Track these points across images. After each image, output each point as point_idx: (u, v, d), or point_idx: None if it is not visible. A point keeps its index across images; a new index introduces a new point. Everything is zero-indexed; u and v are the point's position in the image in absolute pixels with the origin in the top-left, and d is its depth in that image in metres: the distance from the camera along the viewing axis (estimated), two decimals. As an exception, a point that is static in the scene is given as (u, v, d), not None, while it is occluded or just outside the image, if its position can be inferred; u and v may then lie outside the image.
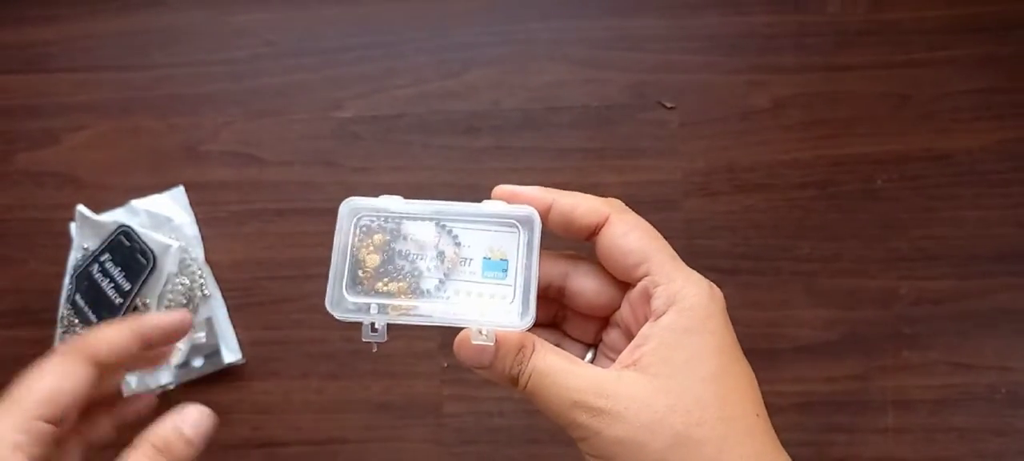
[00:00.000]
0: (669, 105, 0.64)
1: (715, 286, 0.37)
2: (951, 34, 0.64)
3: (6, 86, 0.67)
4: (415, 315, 0.37)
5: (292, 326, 0.63)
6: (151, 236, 0.61)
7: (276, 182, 0.65)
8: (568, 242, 0.39)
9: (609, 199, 0.39)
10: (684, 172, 0.63)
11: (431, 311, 0.37)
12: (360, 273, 0.38)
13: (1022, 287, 0.61)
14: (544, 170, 0.63)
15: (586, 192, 0.61)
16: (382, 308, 0.37)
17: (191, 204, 0.64)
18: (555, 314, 0.41)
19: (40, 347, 0.63)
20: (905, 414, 0.60)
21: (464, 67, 0.65)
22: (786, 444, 0.60)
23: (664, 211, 0.63)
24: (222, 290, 0.63)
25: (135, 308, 0.60)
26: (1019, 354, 0.60)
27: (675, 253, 0.38)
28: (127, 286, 0.60)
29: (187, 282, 0.61)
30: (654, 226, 0.62)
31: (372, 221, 0.39)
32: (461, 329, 0.36)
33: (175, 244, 0.61)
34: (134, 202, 0.63)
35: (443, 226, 0.38)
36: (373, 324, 0.37)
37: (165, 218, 0.63)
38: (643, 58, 0.65)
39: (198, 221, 0.64)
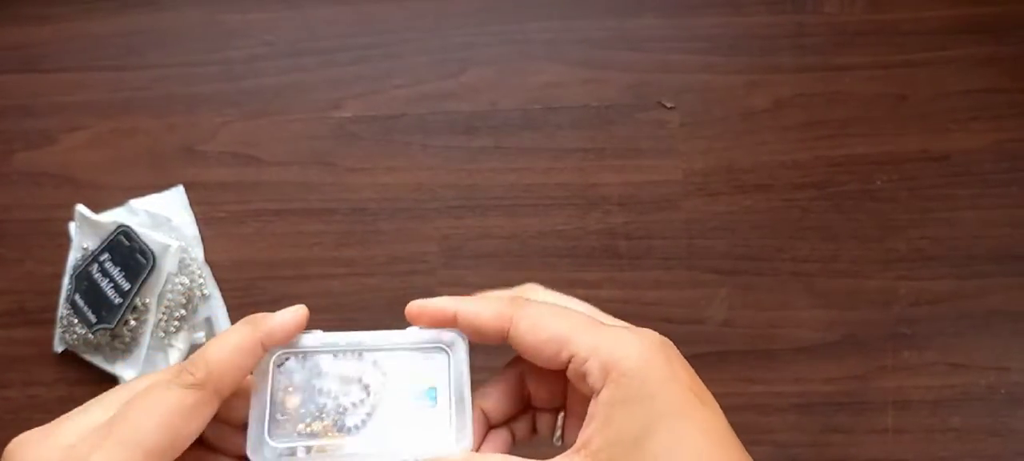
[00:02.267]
0: (669, 105, 0.64)
1: (648, 333, 0.35)
2: (949, 34, 0.64)
3: (2, 86, 0.67)
4: (340, 456, 0.35)
5: (291, 326, 0.63)
6: (150, 236, 0.61)
7: (275, 182, 0.64)
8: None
9: (513, 296, 0.37)
10: (684, 172, 0.63)
11: (357, 449, 0.35)
12: (280, 416, 0.36)
13: (1020, 287, 0.61)
14: (543, 170, 0.63)
15: (586, 193, 0.63)
16: (308, 449, 0.35)
17: (190, 204, 0.64)
18: (519, 401, 0.39)
19: (38, 347, 0.63)
20: (904, 414, 0.60)
21: (462, 67, 0.65)
22: (785, 445, 0.60)
23: (664, 211, 0.63)
24: (221, 290, 0.63)
25: (134, 308, 0.60)
26: (1017, 354, 0.61)
27: (594, 316, 0.36)
28: (127, 286, 0.60)
29: (187, 282, 0.61)
30: (654, 226, 0.62)
31: (290, 360, 0.37)
32: None
33: (174, 244, 0.61)
34: (133, 202, 0.63)
35: (366, 357, 0.37)
36: None
37: (165, 218, 0.63)
38: (643, 58, 0.65)
39: (197, 221, 0.64)
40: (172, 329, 0.61)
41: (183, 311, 0.61)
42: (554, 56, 0.65)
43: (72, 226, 0.63)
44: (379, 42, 0.66)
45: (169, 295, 0.61)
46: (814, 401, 0.61)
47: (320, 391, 0.37)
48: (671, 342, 0.35)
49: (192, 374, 0.33)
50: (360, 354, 0.37)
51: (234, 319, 0.62)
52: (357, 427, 0.36)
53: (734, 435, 0.34)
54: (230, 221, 0.64)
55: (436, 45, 0.66)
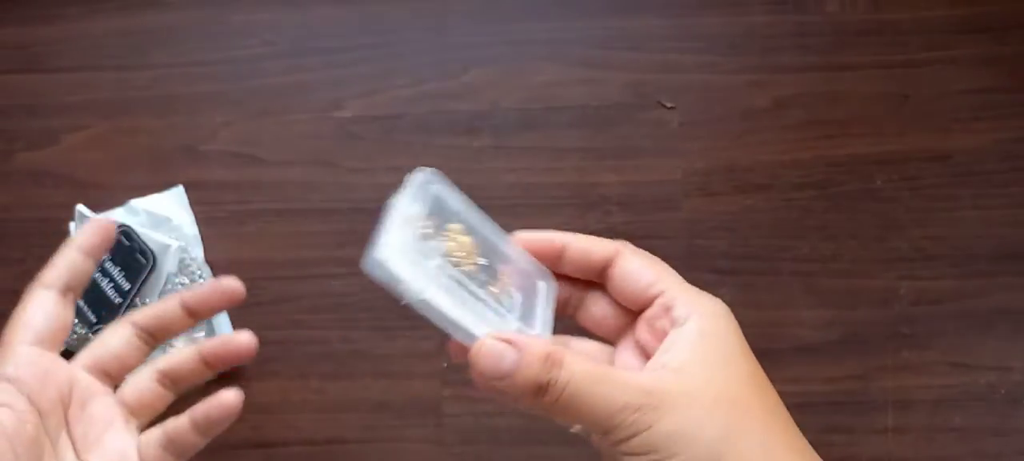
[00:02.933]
0: (669, 105, 0.64)
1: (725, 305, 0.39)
2: (951, 34, 0.64)
3: (5, 85, 0.67)
4: (440, 311, 0.35)
5: (292, 326, 0.63)
6: (151, 236, 0.61)
7: (276, 182, 0.65)
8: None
9: (620, 241, 0.41)
10: (684, 172, 0.63)
11: (459, 310, 0.35)
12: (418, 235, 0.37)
13: (1021, 287, 0.61)
14: (543, 170, 0.64)
15: (586, 192, 0.63)
16: (424, 301, 0.35)
17: (191, 204, 0.64)
18: None
19: (39, 347, 0.63)
20: (905, 414, 0.60)
21: (463, 67, 0.65)
22: (786, 444, 0.60)
23: (664, 211, 0.63)
24: (222, 290, 0.63)
25: (135, 308, 0.60)
26: (1018, 354, 0.61)
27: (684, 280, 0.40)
28: (127, 286, 0.60)
29: (187, 282, 0.61)
30: (654, 226, 0.63)
31: (433, 207, 0.38)
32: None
33: (175, 244, 0.61)
34: (134, 202, 0.64)
35: (488, 241, 0.39)
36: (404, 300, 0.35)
37: (165, 218, 0.63)
38: (642, 58, 0.65)
39: (197, 221, 0.64)
40: (173, 329, 0.61)
41: (184, 311, 0.61)
42: (554, 56, 0.65)
43: (72, 226, 0.63)
44: (380, 42, 0.66)
45: (169, 295, 0.61)
46: (815, 401, 0.61)
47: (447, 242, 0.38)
48: None
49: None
50: (485, 238, 0.39)
51: (234, 320, 0.63)
52: (466, 279, 0.37)
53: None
54: (231, 221, 0.64)
55: (437, 45, 0.66)
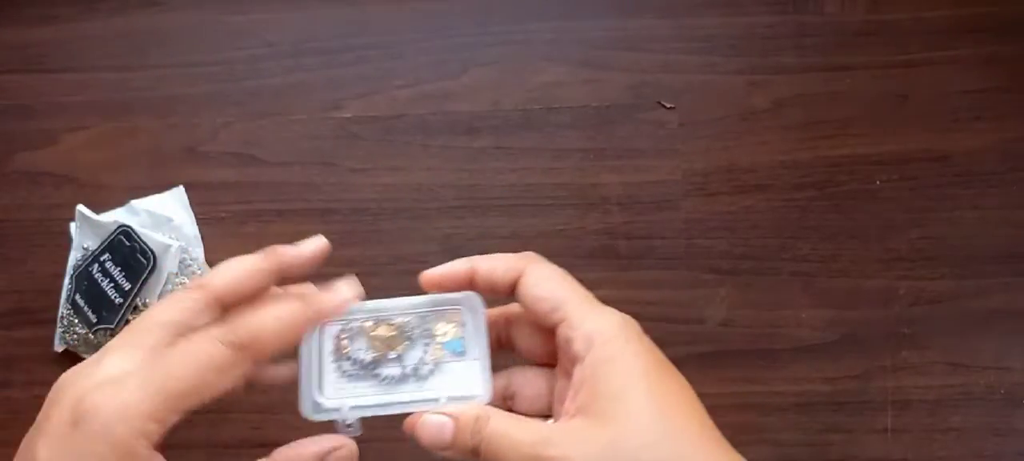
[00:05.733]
0: (668, 105, 0.64)
1: (627, 316, 0.38)
2: (950, 34, 0.64)
3: (4, 86, 0.67)
4: (386, 406, 0.40)
5: (292, 326, 0.63)
6: (151, 236, 0.61)
7: (276, 182, 0.65)
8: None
9: (524, 253, 0.41)
10: (683, 172, 0.63)
11: (401, 398, 0.40)
12: (337, 369, 0.41)
13: (1021, 287, 0.61)
14: (543, 170, 0.64)
15: (586, 193, 0.63)
16: (355, 407, 0.41)
17: (191, 204, 0.64)
18: (504, 389, 0.42)
19: (39, 347, 0.63)
20: (904, 414, 0.60)
21: (463, 68, 0.65)
22: (785, 444, 0.60)
23: (663, 211, 0.63)
24: (222, 290, 0.63)
25: (135, 308, 0.60)
26: (1017, 354, 0.61)
27: (587, 294, 0.39)
28: (127, 286, 0.60)
29: (187, 282, 0.61)
30: (654, 226, 0.63)
31: (332, 324, 0.41)
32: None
33: (175, 244, 0.61)
34: (134, 202, 0.64)
35: (397, 320, 0.41)
36: (346, 421, 0.41)
37: (165, 218, 0.63)
38: (642, 58, 0.65)
39: (198, 221, 0.64)
40: (173, 329, 0.61)
41: (184, 311, 0.61)
42: (554, 56, 0.65)
43: (73, 226, 0.63)
44: (380, 42, 0.66)
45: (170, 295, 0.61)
46: (814, 401, 0.61)
47: (362, 349, 0.41)
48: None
49: (237, 334, 0.35)
50: (392, 319, 0.41)
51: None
52: (396, 380, 0.40)
53: (699, 402, 0.37)
54: (231, 221, 0.64)
55: (437, 45, 0.66)
